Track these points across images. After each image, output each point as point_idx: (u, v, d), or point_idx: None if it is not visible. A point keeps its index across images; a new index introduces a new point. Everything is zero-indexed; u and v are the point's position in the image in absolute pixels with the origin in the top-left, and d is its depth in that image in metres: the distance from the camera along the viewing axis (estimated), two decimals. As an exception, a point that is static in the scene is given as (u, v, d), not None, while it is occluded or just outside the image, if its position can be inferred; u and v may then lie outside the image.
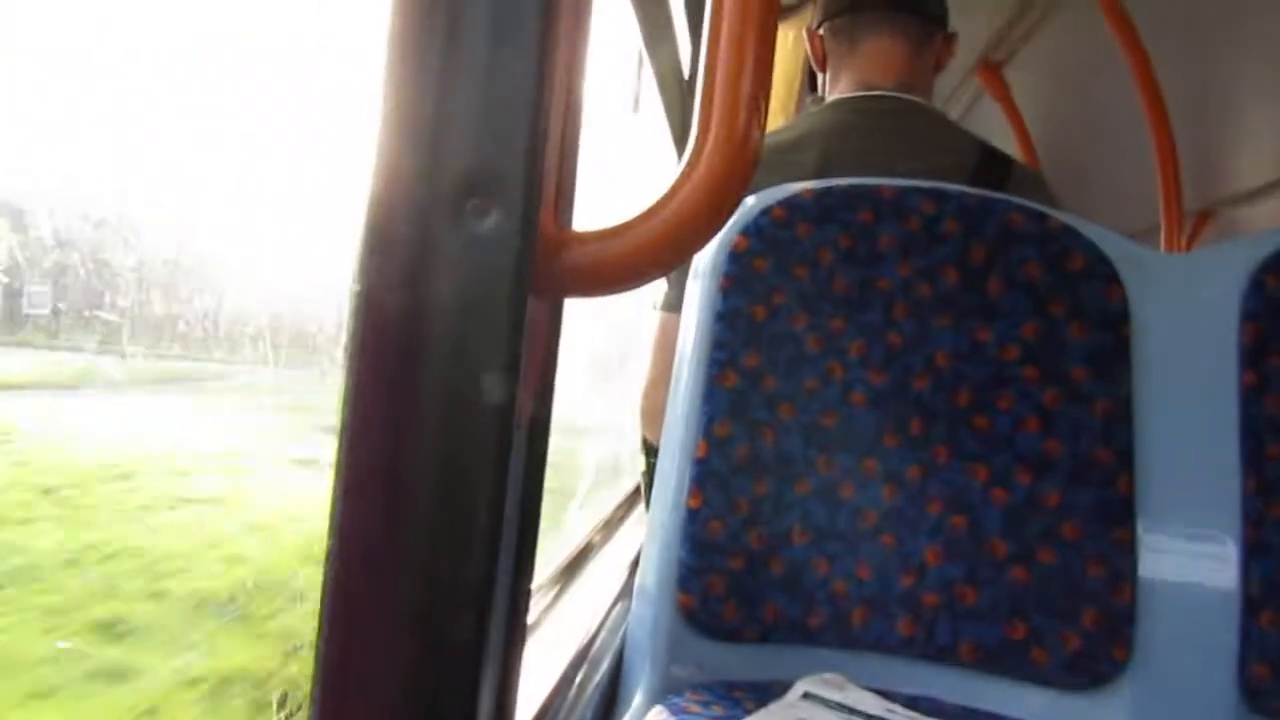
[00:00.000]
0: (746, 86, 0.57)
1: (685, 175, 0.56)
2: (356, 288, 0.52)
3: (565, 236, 0.56)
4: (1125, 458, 0.98)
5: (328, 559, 0.52)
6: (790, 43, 2.16)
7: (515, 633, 0.59)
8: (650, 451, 1.41)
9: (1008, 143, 2.87)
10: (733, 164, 0.57)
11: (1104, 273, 1.01)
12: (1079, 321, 1.00)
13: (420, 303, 0.51)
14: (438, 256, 0.51)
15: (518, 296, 0.51)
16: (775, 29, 0.59)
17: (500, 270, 0.51)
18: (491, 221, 0.51)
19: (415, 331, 0.51)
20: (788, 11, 2.05)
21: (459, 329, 0.51)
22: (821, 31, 1.48)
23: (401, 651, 0.52)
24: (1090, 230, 1.03)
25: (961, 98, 3.03)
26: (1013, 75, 2.81)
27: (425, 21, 0.52)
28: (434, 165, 0.51)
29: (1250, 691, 0.92)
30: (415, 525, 0.52)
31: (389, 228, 0.51)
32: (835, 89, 1.45)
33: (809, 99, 2.25)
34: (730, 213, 0.58)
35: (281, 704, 0.53)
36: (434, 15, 0.52)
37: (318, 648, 0.51)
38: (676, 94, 1.67)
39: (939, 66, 1.47)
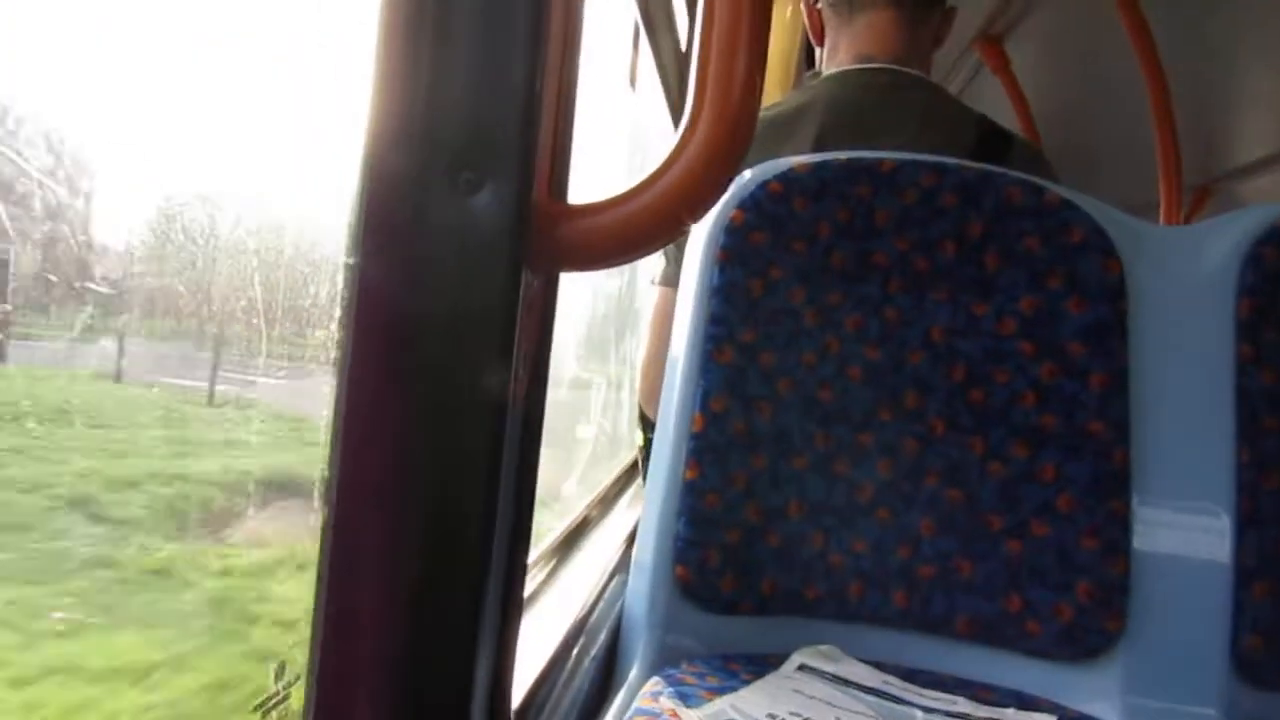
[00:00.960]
0: (741, 61, 0.56)
1: (680, 149, 0.56)
2: (350, 260, 0.52)
3: (560, 210, 0.56)
4: (1121, 431, 0.98)
5: (324, 532, 0.52)
6: (788, 16, 2.15)
7: (511, 605, 0.59)
8: (648, 425, 1.41)
9: (1007, 117, 2.86)
10: (728, 137, 0.56)
11: (1101, 246, 1.01)
12: (1076, 295, 1.00)
13: (414, 275, 0.51)
14: (431, 229, 0.51)
15: (512, 269, 0.51)
16: (770, 3, 0.58)
17: (493, 243, 0.51)
18: (485, 194, 0.51)
19: (409, 303, 0.51)
20: (787, -16, 2.04)
21: (453, 301, 0.51)
22: (819, 5, 1.47)
23: (398, 626, 0.53)
24: (1088, 204, 1.03)
25: (961, 71, 3.01)
26: (1013, 48, 2.79)
27: (418, -5, 0.51)
28: (427, 138, 0.51)
29: (1242, 662, 0.93)
30: (411, 499, 0.52)
31: (382, 200, 0.51)
32: (833, 62, 1.45)
33: (806, 74, 2.24)
34: (725, 186, 0.58)
35: (280, 673, 0.53)
36: (427, -12, 0.51)
37: (315, 622, 0.51)
38: (675, 69, 1.66)
39: (937, 42, 1.46)
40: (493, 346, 0.52)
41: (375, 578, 0.52)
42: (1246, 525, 0.95)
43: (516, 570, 0.60)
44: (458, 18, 0.52)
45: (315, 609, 0.52)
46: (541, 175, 0.55)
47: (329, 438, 0.53)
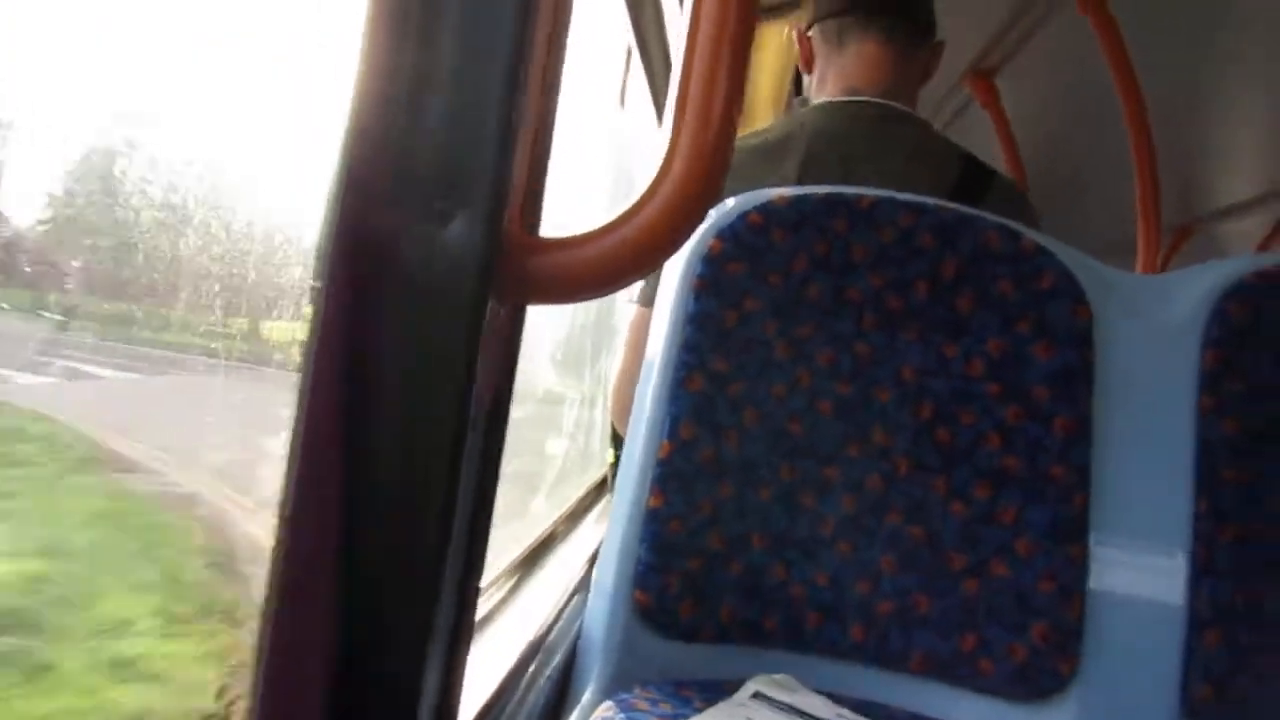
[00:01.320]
0: (719, 99, 0.57)
1: (655, 185, 0.57)
2: (317, 283, 0.52)
3: (531, 242, 0.57)
4: (1082, 475, 0.99)
5: (275, 550, 0.52)
6: (783, 39, 2.16)
7: (462, 628, 0.59)
8: (619, 444, 1.41)
9: (994, 151, 2.88)
10: (703, 175, 0.57)
11: (1071, 293, 1.02)
12: (1045, 340, 1.02)
13: (380, 300, 0.52)
14: (400, 256, 0.51)
15: (477, 299, 0.52)
16: (750, 41, 0.59)
17: (462, 273, 0.51)
18: (456, 224, 0.51)
19: (373, 328, 0.52)
20: (782, 9, 2.05)
21: (417, 328, 0.51)
22: (810, 34, 1.48)
23: (345, 640, 0.53)
24: (1062, 251, 1.04)
25: (949, 104, 3.04)
26: (1003, 84, 2.82)
27: (399, 22, 0.52)
28: (401, 165, 0.52)
29: (1192, 710, 0.94)
30: (366, 518, 0.52)
31: (352, 224, 0.52)
32: (821, 92, 1.46)
33: (795, 100, 2.25)
34: (695, 227, 0.58)
35: (220, 694, 0.53)
36: (408, 17, 0.52)
37: (260, 635, 0.51)
38: (666, 89, 1.67)
39: (925, 76, 1.47)
40: (454, 375, 0.52)
41: (324, 602, 0.53)
42: (1202, 574, 0.96)
43: (468, 595, 0.60)
44: (437, 45, 0.52)
45: (261, 629, 0.52)
46: (514, 207, 0.56)
47: (286, 457, 0.53)
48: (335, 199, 0.51)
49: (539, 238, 0.57)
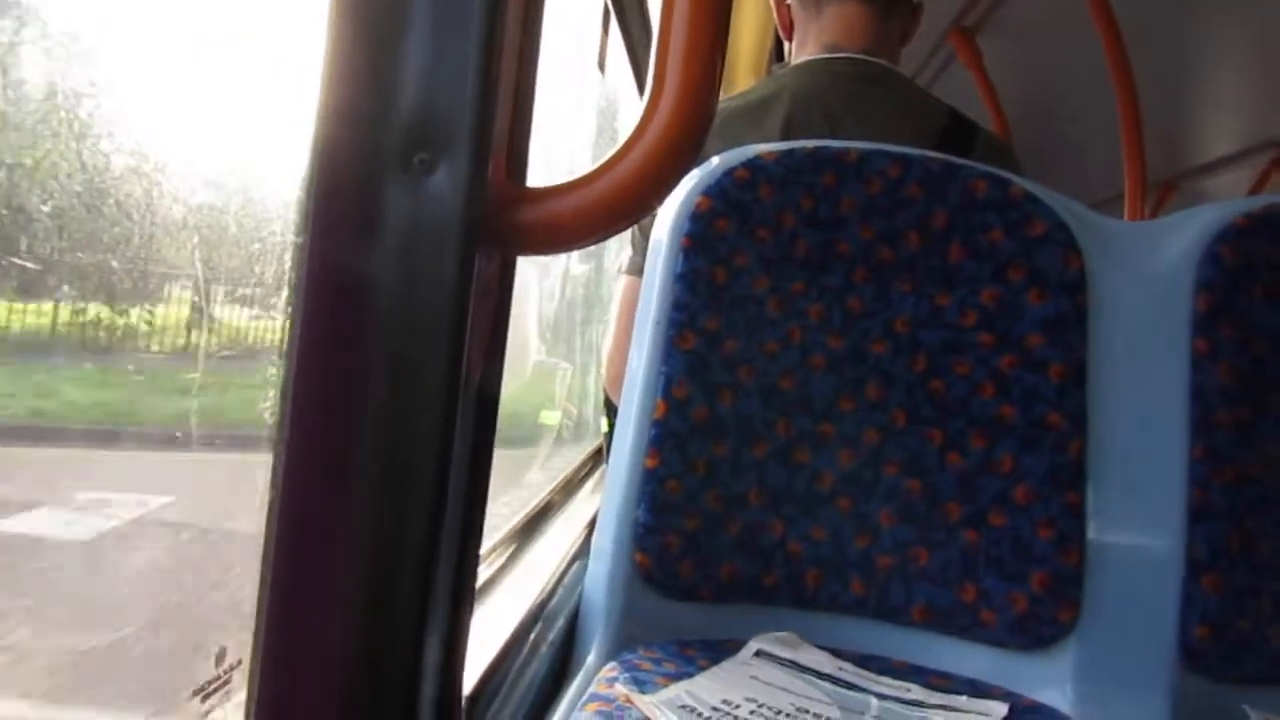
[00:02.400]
0: (703, 42, 0.56)
1: (639, 131, 0.56)
2: (300, 239, 0.51)
3: (517, 192, 0.55)
4: (1078, 423, 0.99)
5: (269, 515, 0.51)
6: (759, 3, 2.14)
7: (463, 594, 0.59)
8: (613, 412, 1.41)
9: (977, 109, 2.87)
10: (688, 122, 0.56)
11: (1063, 240, 1.01)
12: (1037, 288, 1.01)
13: (365, 256, 0.50)
14: (384, 209, 0.50)
15: (465, 251, 0.51)
16: None
17: (447, 225, 0.50)
18: (439, 175, 0.50)
19: (360, 285, 0.51)
20: (760, -29, 2.03)
21: (405, 283, 0.50)
22: (788, 0, 1.47)
23: (345, 609, 0.52)
24: (1051, 198, 1.03)
25: (933, 63, 3.02)
26: (985, 42, 2.80)
27: (373, -33, 0.50)
28: (381, 117, 0.50)
29: (1190, 653, 0.95)
30: (359, 480, 0.52)
31: (334, 179, 0.50)
32: (801, 54, 1.44)
33: (776, 66, 2.24)
34: (684, 171, 0.57)
35: (220, 658, 0.52)
36: (382, -39, 0.50)
37: (259, 606, 0.50)
38: (646, 52, 1.65)
39: (905, 38, 1.46)
40: (445, 330, 0.51)
41: (322, 561, 0.52)
42: (1197, 518, 0.96)
43: (469, 555, 0.60)
44: (413, -7, 0.51)
45: (260, 592, 0.51)
46: (499, 157, 0.55)
47: (277, 419, 0.52)
48: (314, 152, 0.50)
49: (524, 187, 0.56)
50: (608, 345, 1.43)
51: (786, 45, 1.52)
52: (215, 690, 0.52)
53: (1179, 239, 1.03)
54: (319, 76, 0.50)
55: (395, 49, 0.50)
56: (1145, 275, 1.03)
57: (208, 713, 0.50)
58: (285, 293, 0.52)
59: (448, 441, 0.53)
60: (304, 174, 0.50)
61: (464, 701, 0.63)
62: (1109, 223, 1.06)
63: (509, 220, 0.54)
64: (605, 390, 1.51)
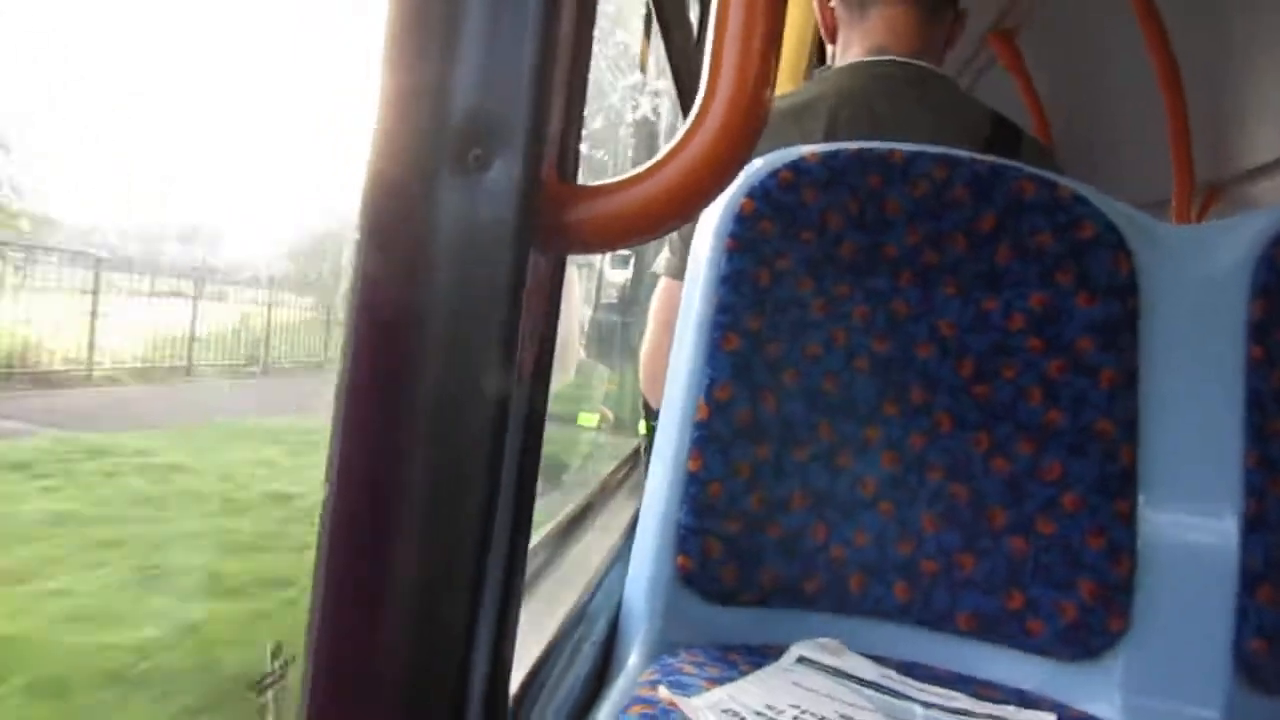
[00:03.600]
0: (757, 43, 0.55)
1: (692, 131, 0.55)
2: (358, 235, 0.51)
3: (568, 190, 0.55)
4: (1128, 429, 0.97)
5: (323, 516, 0.51)
6: (801, 6, 2.13)
7: (511, 591, 0.58)
8: (651, 415, 1.41)
9: (1018, 112, 2.84)
10: (741, 121, 0.55)
11: (1113, 243, 1.00)
12: (1086, 292, 0.99)
13: (421, 251, 0.51)
14: (439, 206, 0.50)
15: (519, 248, 0.51)
16: None
17: (501, 222, 0.50)
18: (493, 172, 0.50)
19: (416, 279, 0.51)
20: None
21: (459, 279, 0.50)
22: (832, 3, 1.46)
23: (396, 609, 0.52)
24: (1100, 200, 1.02)
25: (974, 66, 2.99)
26: (1026, 43, 2.77)
27: (430, -35, 0.50)
28: (437, 114, 0.50)
29: (1246, 666, 0.92)
30: (411, 477, 0.52)
31: (391, 176, 0.51)
32: (846, 57, 1.44)
33: (817, 70, 2.23)
34: (737, 170, 0.57)
35: (276, 653, 0.53)
36: (439, -38, 0.51)
37: (312, 604, 0.51)
38: (684, 53, 1.65)
39: (949, 42, 1.45)
40: (497, 327, 0.51)
41: (374, 561, 0.52)
42: (1253, 528, 0.94)
43: (517, 556, 0.59)
44: (469, -8, 0.51)
45: (313, 591, 0.51)
46: (550, 155, 0.55)
47: (331, 418, 0.52)
48: (371, 147, 0.50)
49: (575, 185, 0.56)
50: (645, 347, 1.43)
51: (829, 49, 1.51)
52: (271, 684, 0.52)
53: (1233, 243, 1.01)
54: (377, 72, 0.50)
55: (452, 44, 0.50)
56: (1198, 279, 1.01)
57: (265, 706, 0.51)
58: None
59: (500, 441, 0.52)
60: (361, 169, 0.51)
61: (510, 700, 0.62)
62: (1160, 226, 1.04)
63: (560, 218, 0.54)
64: (643, 392, 1.50)
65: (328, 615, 0.52)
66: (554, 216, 0.54)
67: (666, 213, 0.56)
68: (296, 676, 0.54)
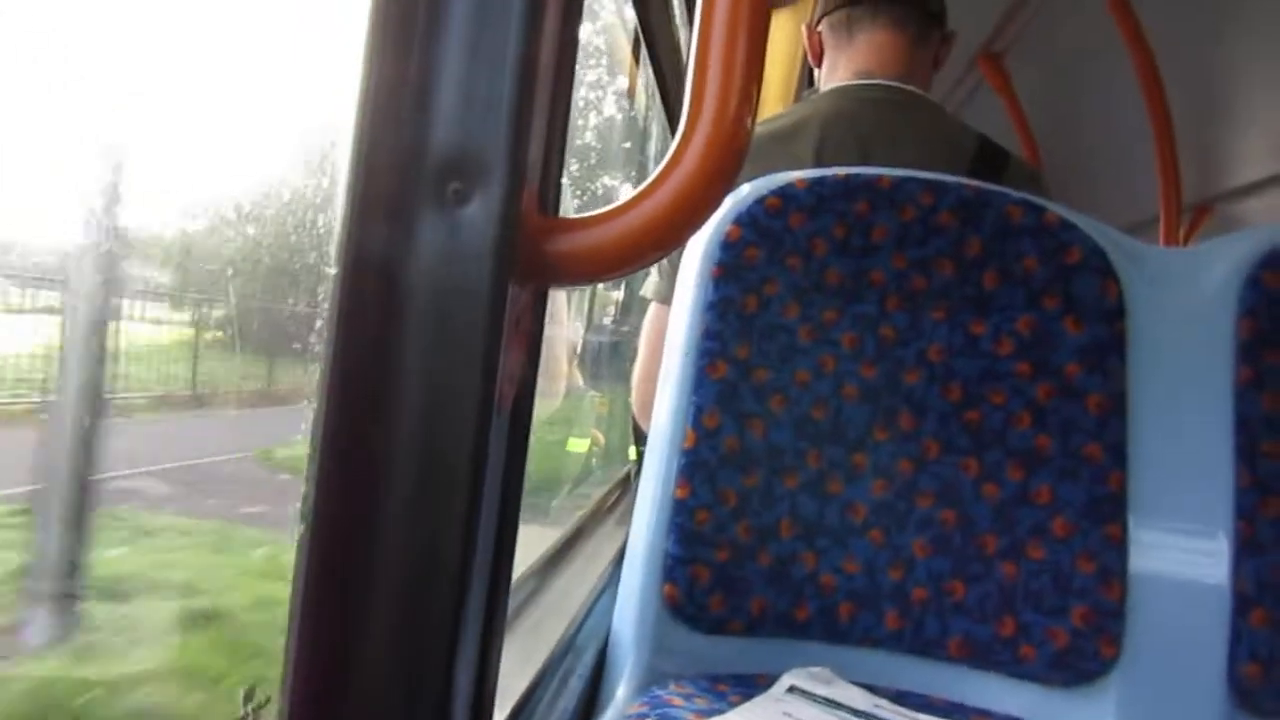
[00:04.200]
0: (738, 76, 0.56)
1: (673, 164, 0.55)
2: (335, 269, 0.51)
3: (549, 223, 0.55)
4: (1118, 453, 0.97)
5: (301, 546, 0.51)
6: (789, 30, 2.14)
7: (494, 623, 0.58)
8: (642, 440, 1.40)
9: (1006, 133, 2.86)
10: (723, 153, 0.55)
11: (1099, 267, 1.00)
12: (1073, 316, 0.99)
13: (399, 286, 0.50)
14: (418, 240, 0.50)
15: (498, 283, 0.50)
16: (768, 18, 0.57)
17: (480, 256, 0.50)
18: (473, 206, 0.50)
19: (393, 315, 0.50)
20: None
21: (438, 314, 0.50)
22: (819, 27, 1.47)
23: (374, 643, 0.52)
24: (1087, 224, 1.02)
25: (962, 87, 3.01)
26: (1013, 66, 2.79)
27: (410, 1, 0.50)
28: (415, 147, 0.50)
29: (1240, 690, 0.92)
30: (391, 512, 0.51)
31: (369, 209, 0.50)
32: (832, 80, 1.44)
33: (806, 92, 2.24)
34: (718, 202, 0.57)
35: (249, 697, 0.52)
36: (418, -6, 0.50)
37: (288, 639, 0.50)
38: (676, 83, 1.66)
39: (937, 65, 1.46)
40: (477, 361, 0.50)
41: (352, 596, 0.51)
42: (1244, 551, 0.94)
43: (499, 584, 0.59)
44: (449, 27, 0.51)
45: (289, 625, 0.50)
46: (531, 188, 0.54)
47: (309, 446, 0.51)
48: (350, 183, 0.50)
49: (556, 218, 0.56)
50: (636, 373, 1.42)
51: (816, 72, 1.51)
52: (245, 728, 0.52)
53: (1220, 265, 1.01)
54: (355, 104, 0.50)
55: (430, 77, 0.50)
56: (1185, 302, 1.01)
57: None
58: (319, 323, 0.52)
59: (479, 474, 0.52)
60: (339, 203, 0.50)
61: (494, 736, 0.62)
62: (1147, 249, 1.04)
63: (541, 251, 0.54)
64: (634, 417, 1.50)
65: (305, 645, 0.51)
66: (534, 249, 0.54)
67: (648, 245, 0.55)
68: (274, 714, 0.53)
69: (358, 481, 0.51)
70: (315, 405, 0.50)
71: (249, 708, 0.51)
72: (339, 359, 0.50)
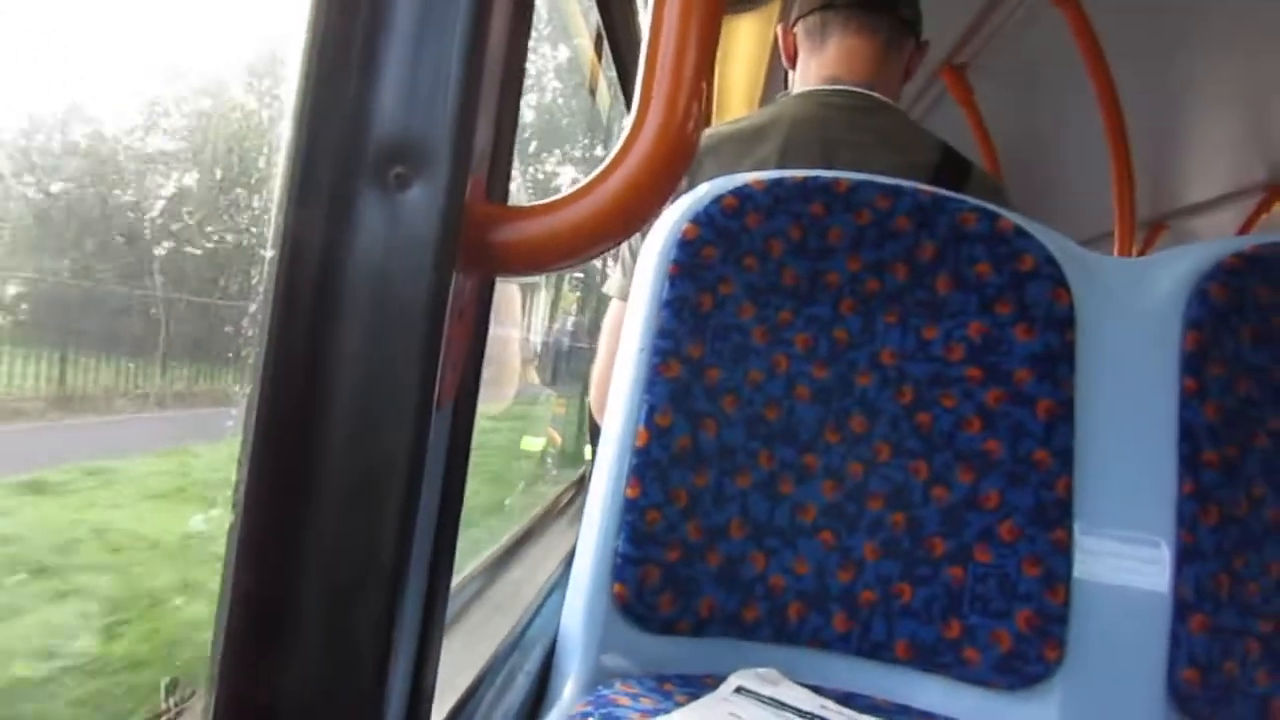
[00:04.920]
0: (689, 69, 0.55)
1: (622, 154, 0.55)
2: (272, 253, 0.50)
3: (496, 212, 0.54)
4: (1065, 459, 0.98)
5: (231, 539, 0.49)
6: (756, 33, 2.15)
7: (432, 623, 0.57)
8: (598, 438, 1.39)
9: (968, 145, 2.89)
10: (671, 146, 0.55)
11: (1051, 275, 1.01)
12: (1025, 323, 1.00)
13: (337, 273, 0.49)
14: (357, 224, 0.49)
15: (441, 271, 0.49)
16: (720, 12, 0.57)
17: (422, 243, 0.49)
18: (415, 192, 0.49)
19: (331, 303, 0.49)
20: (753, 1, 2.04)
21: (377, 302, 0.49)
22: (794, 29, 1.47)
23: (306, 635, 0.50)
24: (1040, 233, 1.03)
25: (925, 98, 3.04)
26: (976, 78, 2.82)
27: (353, -23, 0.49)
28: (356, 129, 0.49)
29: (1179, 695, 0.93)
30: (325, 507, 0.50)
31: (307, 193, 0.49)
32: (804, 83, 1.45)
33: (780, 94, 2.25)
34: (666, 195, 0.56)
35: (171, 690, 0.50)
36: (363, -27, 0.49)
37: (215, 633, 0.49)
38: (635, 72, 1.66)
39: (908, 74, 1.47)
40: (418, 351, 0.49)
41: (283, 584, 0.50)
42: (1185, 558, 0.95)
43: (438, 582, 0.58)
44: (394, 7, 0.50)
45: (216, 619, 0.49)
46: (479, 175, 0.54)
47: (241, 435, 0.50)
48: (288, 166, 0.49)
49: (504, 206, 0.55)
50: (595, 370, 1.41)
51: (790, 75, 1.52)
52: (164, 721, 0.50)
53: (1168, 277, 1.03)
54: (295, 85, 0.49)
55: (374, 58, 0.49)
56: (1134, 312, 1.02)
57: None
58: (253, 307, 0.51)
59: (417, 465, 0.51)
60: (277, 184, 0.49)
61: (431, 734, 0.61)
62: (1098, 259, 1.06)
63: (488, 240, 0.53)
64: (592, 415, 1.49)
65: (233, 644, 0.50)
66: (480, 238, 0.53)
67: (596, 236, 0.55)
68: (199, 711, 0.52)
69: (290, 475, 0.50)
70: (248, 394, 0.49)
71: (170, 702, 0.49)
72: (274, 347, 0.49)
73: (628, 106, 1.77)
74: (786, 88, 1.62)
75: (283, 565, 0.50)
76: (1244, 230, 3.36)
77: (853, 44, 1.40)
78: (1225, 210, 3.39)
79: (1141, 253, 2.97)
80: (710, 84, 0.58)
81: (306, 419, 0.50)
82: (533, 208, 0.54)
